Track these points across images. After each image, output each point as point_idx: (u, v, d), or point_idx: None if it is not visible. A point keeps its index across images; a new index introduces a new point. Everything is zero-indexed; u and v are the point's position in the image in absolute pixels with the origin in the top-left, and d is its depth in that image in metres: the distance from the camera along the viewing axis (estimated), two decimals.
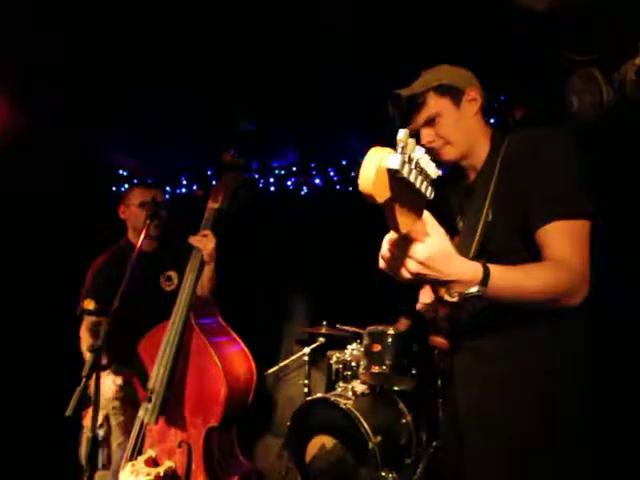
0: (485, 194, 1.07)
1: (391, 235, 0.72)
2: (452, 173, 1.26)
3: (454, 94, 1.12)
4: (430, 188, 0.63)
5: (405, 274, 0.73)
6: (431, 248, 0.71)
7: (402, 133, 0.57)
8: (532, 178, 1.00)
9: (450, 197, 1.30)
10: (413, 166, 0.58)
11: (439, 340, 1.12)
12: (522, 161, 1.03)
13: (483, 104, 1.15)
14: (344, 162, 3.58)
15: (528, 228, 1.00)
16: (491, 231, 1.05)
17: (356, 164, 3.50)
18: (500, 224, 1.04)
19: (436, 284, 0.80)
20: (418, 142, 1.10)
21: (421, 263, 0.71)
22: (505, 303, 0.88)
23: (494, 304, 0.90)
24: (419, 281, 0.75)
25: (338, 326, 2.95)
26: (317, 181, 3.65)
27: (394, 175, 0.57)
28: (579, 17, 1.00)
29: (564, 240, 0.94)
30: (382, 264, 0.75)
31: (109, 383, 1.75)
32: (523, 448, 0.99)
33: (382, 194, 0.58)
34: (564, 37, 1.01)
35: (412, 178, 0.59)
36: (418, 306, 1.22)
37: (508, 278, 0.86)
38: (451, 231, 0.71)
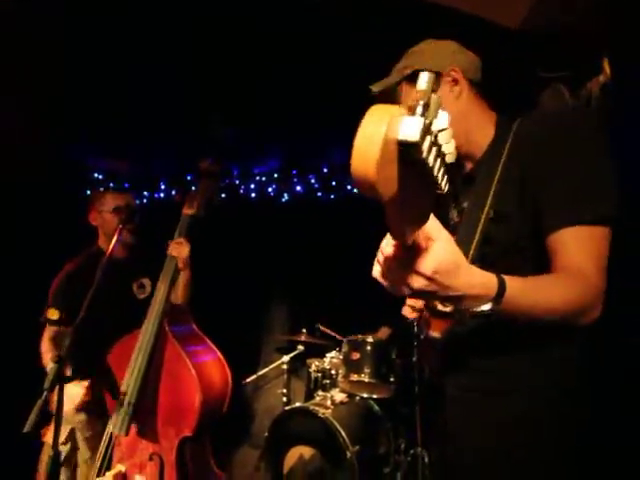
0: (487, 186, 0.93)
1: (387, 242, 0.59)
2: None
3: None
4: (446, 178, 0.46)
5: (406, 291, 0.61)
6: (439, 258, 0.58)
7: (425, 79, 0.38)
8: (547, 170, 0.86)
9: None
10: (433, 139, 0.40)
11: (430, 354, 1.02)
12: (536, 149, 0.88)
13: (475, 81, 0.98)
14: (325, 169, 3.58)
15: (538, 228, 0.87)
16: (493, 229, 0.92)
17: (337, 172, 3.52)
18: (504, 222, 0.91)
19: (440, 300, 0.68)
20: None
21: (429, 279, 0.59)
22: (512, 321, 0.76)
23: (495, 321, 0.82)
24: (421, 297, 0.65)
25: (320, 327, 2.93)
26: (298, 188, 3.64)
27: (407, 153, 0.38)
28: (548, 37, 1.02)
29: (582, 248, 0.82)
30: (377, 274, 0.63)
31: (74, 393, 1.68)
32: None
33: (389, 185, 0.38)
34: (534, 55, 1.03)
35: (431, 161, 0.40)
36: (405, 310, 1.10)
37: (524, 294, 0.73)
38: (442, 222, 0.61)
